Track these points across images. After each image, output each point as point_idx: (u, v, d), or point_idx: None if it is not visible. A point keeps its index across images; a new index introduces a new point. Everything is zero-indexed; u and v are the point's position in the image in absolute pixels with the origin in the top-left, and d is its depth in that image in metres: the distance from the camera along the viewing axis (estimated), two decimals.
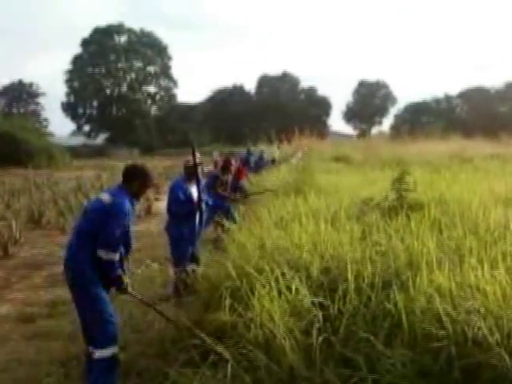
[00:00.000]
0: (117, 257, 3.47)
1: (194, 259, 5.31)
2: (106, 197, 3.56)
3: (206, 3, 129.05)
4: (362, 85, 75.89)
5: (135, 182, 3.63)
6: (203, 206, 5.57)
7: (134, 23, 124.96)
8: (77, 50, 61.59)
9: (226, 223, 5.39)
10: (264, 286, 3.16)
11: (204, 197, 5.61)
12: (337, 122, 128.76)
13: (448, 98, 73.46)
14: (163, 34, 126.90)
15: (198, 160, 5.38)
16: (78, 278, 3.43)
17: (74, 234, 3.59)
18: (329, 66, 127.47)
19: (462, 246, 3.78)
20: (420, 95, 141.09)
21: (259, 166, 15.84)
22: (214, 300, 3.62)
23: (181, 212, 5.59)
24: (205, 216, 5.76)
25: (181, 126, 61.10)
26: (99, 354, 3.39)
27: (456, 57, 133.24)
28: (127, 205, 3.50)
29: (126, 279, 3.60)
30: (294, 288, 3.13)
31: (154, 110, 65.37)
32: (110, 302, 3.55)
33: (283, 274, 3.28)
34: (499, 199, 5.99)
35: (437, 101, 73.16)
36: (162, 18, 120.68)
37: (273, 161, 17.45)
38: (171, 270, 4.86)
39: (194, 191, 5.58)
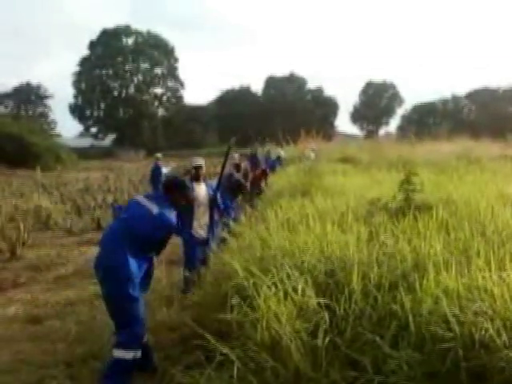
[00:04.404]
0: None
1: (203, 260, 5.31)
2: (153, 208, 3.70)
3: (212, 4, 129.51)
4: (369, 85, 75.77)
5: (175, 192, 3.94)
6: (216, 205, 5.64)
7: (141, 24, 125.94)
8: (84, 51, 62.15)
9: (232, 224, 5.39)
10: (270, 287, 3.15)
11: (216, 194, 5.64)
12: (344, 123, 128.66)
13: (455, 99, 73.11)
14: (170, 36, 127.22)
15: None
16: (113, 278, 3.45)
17: (111, 234, 3.65)
18: (336, 66, 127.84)
19: (470, 247, 3.76)
20: (427, 96, 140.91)
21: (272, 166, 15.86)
22: (220, 300, 3.61)
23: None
24: (216, 217, 5.79)
25: (188, 127, 61.13)
26: (121, 354, 3.39)
27: (463, 57, 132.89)
28: (173, 218, 3.81)
29: None
30: (300, 289, 3.12)
31: (161, 111, 65.44)
32: (142, 303, 3.58)
33: (289, 276, 3.28)
34: (507, 200, 5.94)
35: (444, 101, 72.89)
36: (168, 19, 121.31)
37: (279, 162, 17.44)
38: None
39: (196, 190, 5.65)
